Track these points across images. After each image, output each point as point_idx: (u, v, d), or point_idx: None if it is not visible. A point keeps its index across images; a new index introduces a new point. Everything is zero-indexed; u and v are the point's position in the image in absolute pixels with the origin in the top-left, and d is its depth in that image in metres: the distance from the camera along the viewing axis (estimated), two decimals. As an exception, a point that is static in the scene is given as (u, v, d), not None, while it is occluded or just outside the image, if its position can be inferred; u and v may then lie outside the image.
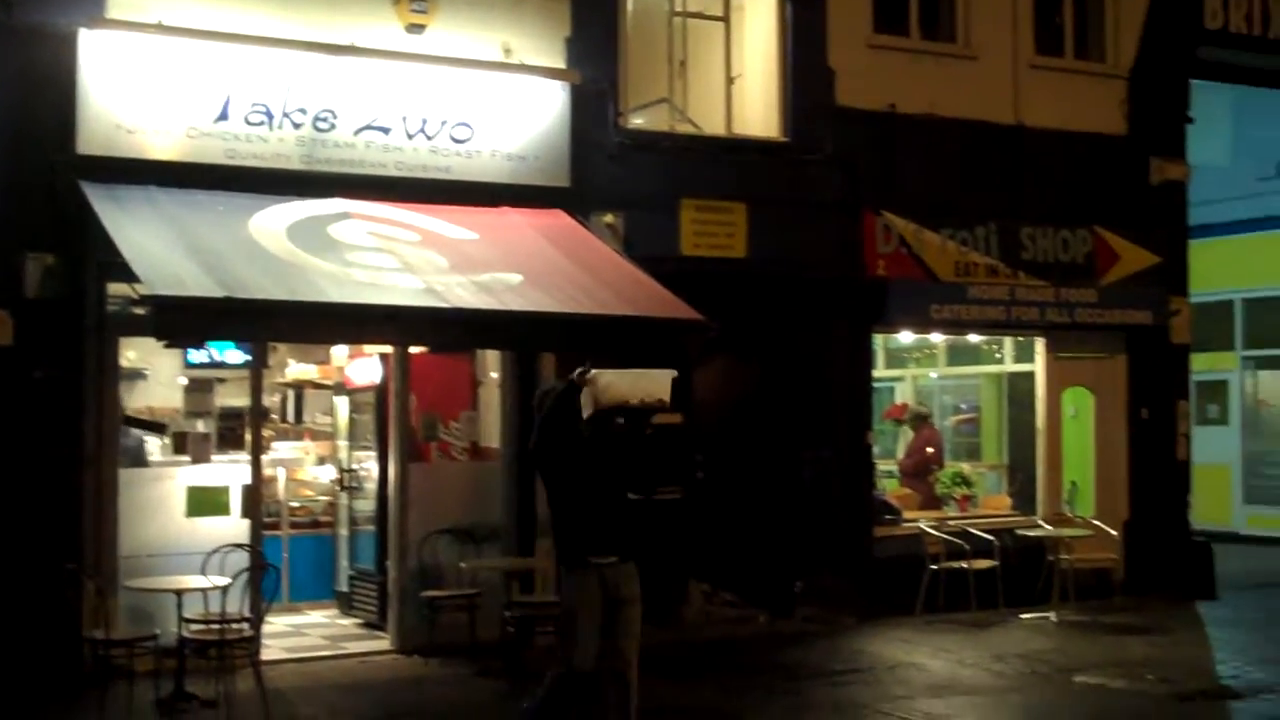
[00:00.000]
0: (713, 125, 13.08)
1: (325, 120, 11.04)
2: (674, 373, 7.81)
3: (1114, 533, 14.50)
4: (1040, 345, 14.81)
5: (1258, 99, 17.97)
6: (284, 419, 14.25)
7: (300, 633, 12.27)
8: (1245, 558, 17.29)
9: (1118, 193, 14.98)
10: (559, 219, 11.82)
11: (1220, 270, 18.76)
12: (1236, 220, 19.50)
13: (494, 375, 12.24)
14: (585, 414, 7.49)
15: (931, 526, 13.68)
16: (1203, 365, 18.38)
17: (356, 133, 11.16)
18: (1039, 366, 14.84)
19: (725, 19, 13.20)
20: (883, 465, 14.74)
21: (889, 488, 14.69)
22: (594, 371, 7.53)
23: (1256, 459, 20.09)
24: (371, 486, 12.30)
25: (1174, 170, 15.35)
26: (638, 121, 12.62)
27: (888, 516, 13.85)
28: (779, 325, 12.98)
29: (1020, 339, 15.00)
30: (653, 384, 7.74)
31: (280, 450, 13.56)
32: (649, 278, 11.32)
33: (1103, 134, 14.93)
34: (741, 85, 13.26)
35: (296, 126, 10.92)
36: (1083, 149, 14.74)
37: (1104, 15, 15.20)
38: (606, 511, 7.63)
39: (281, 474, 13.39)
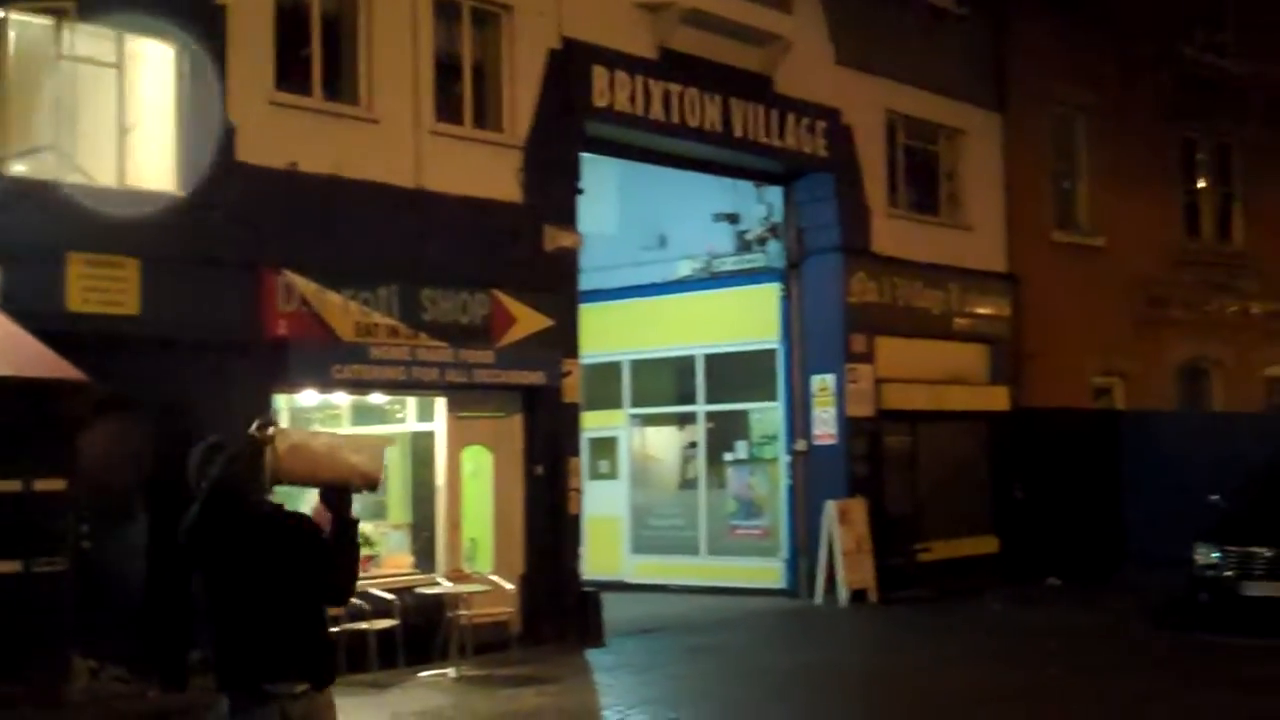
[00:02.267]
0: (106, 176, 12.50)
1: None
2: (390, 442, 6.31)
3: (510, 587, 14.99)
4: (441, 405, 15.12)
5: (642, 173, 19.29)
6: None
7: None
8: (632, 605, 18.33)
9: (515, 258, 15.56)
10: (-71, 271, 10.92)
11: (610, 333, 19.89)
12: (624, 286, 20.70)
13: None
14: (264, 487, 5.75)
15: (332, 588, 13.58)
16: (594, 423, 19.42)
17: None
18: (439, 425, 15.14)
19: (118, 66, 12.66)
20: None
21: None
22: (277, 429, 5.78)
23: (644, 511, 21.35)
24: None
25: (567, 238, 16.14)
26: (19, 169, 11.86)
27: (288, 580, 13.62)
28: (179, 385, 12.51)
29: (422, 399, 15.25)
30: (359, 457, 5.80)
31: None
32: (29, 335, 10.66)
33: (501, 201, 15.49)
34: (137, 136, 12.76)
35: None
36: (482, 215, 15.23)
37: (501, 88, 15.82)
38: (292, 622, 5.68)
39: None
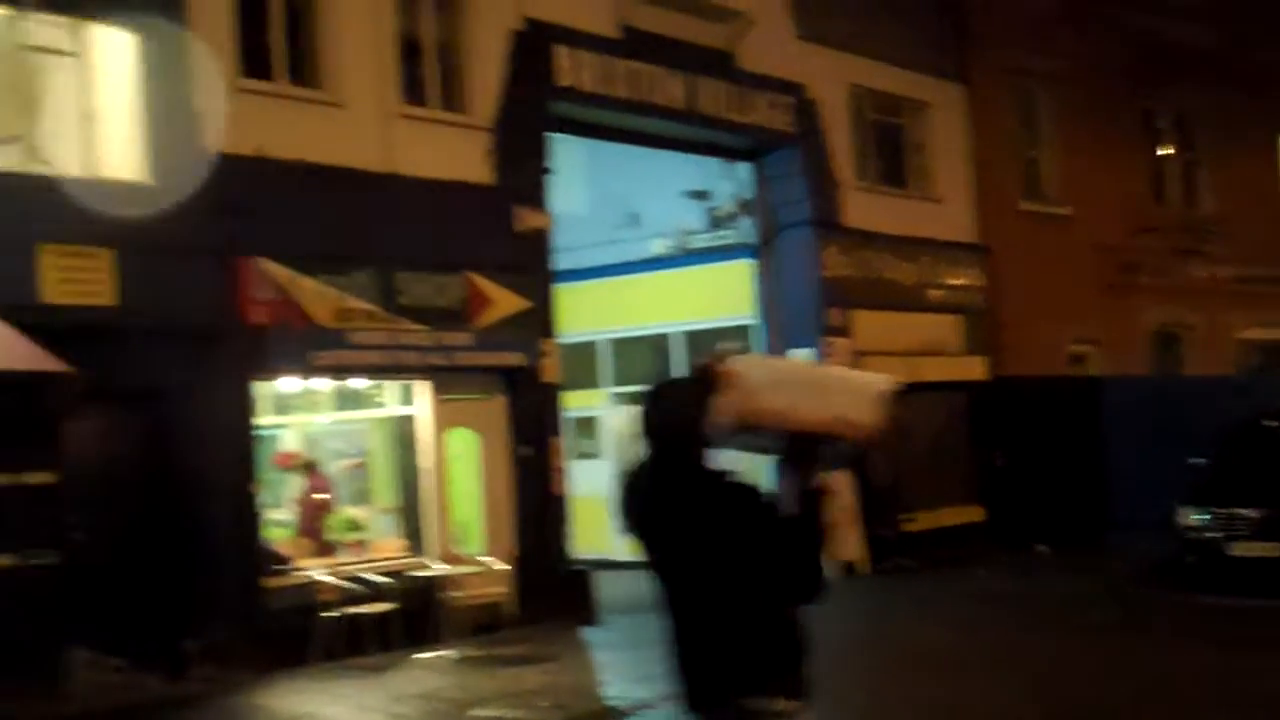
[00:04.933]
0: (72, 166, 12.34)
1: None
2: (889, 381, 4.54)
3: (502, 568, 14.89)
4: (422, 388, 15.01)
5: (611, 153, 19.24)
6: None
7: None
8: (622, 583, 18.18)
9: (488, 239, 15.47)
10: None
11: (586, 313, 19.78)
12: (598, 266, 20.63)
13: None
14: (716, 435, 4.28)
15: (324, 574, 13.50)
16: (575, 402, 19.29)
17: None
18: (422, 409, 15.03)
19: (78, 55, 12.50)
20: (272, 515, 14.38)
21: (279, 536, 14.34)
22: (736, 361, 4.34)
23: (629, 489, 21.13)
24: None
25: (538, 219, 16.07)
26: (-14, 161, 11.72)
27: (278, 566, 13.52)
28: (158, 375, 12.38)
29: (403, 383, 15.14)
30: (847, 400, 4.35)
31: None
32: (6, 327, 10.52)
33: (471, 183, 15.39)
34: (102, 125, 12.62)
35: None
36: (453, 197, 15.13)
37: (465, 69, 15.74)
38: (768, 620, 4.33)
39: None
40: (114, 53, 12.81)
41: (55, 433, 11.58)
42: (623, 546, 17.54)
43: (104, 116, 12.66)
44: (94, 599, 11.91)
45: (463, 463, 15.27)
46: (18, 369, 10.38)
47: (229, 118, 13.25)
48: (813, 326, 19.53)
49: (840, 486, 18.60)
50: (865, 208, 20.62)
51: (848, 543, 18.87)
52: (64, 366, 10.38)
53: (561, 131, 17.02)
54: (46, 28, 12.18)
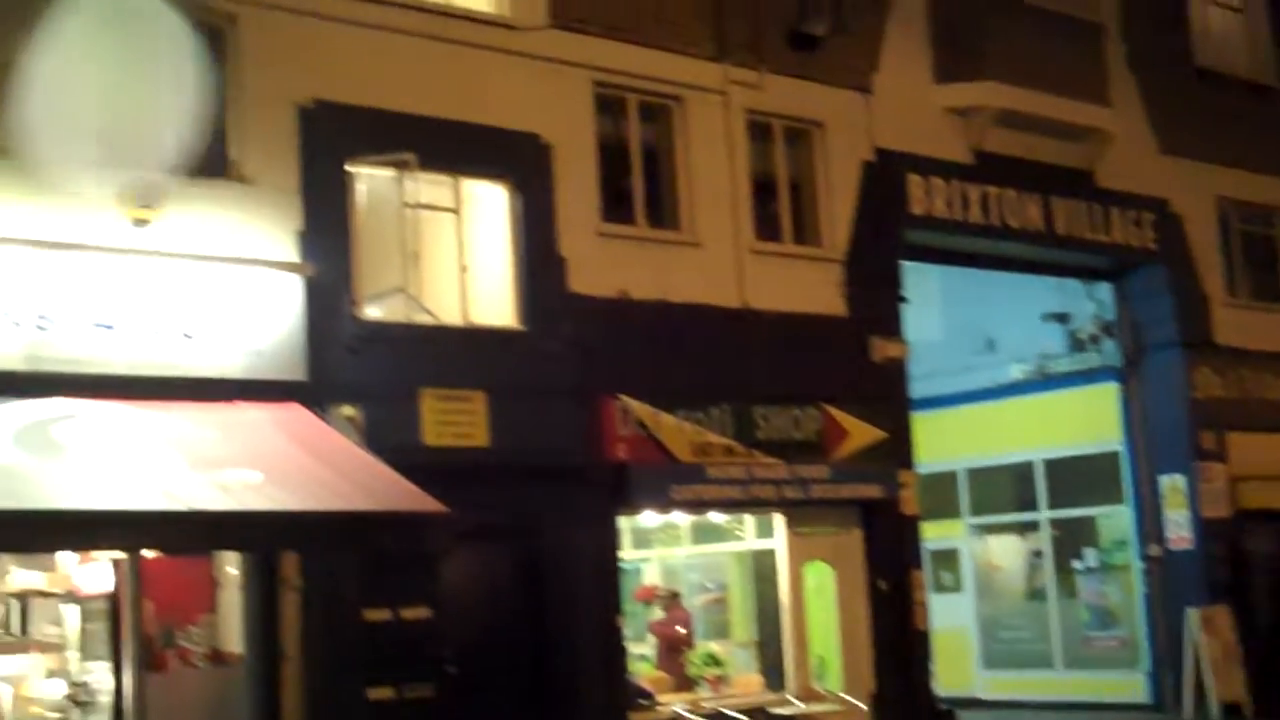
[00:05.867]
0: (449, 315, 13.07)
1: (47, 318, 10.61)
2: None
3: (863, 706, 14.68)
4: (779, 522, 15.05)
5: (965, 278, 19.03)
6: (8, 631, 13.28)
7: None
8: (988, 722, 17.70)
9: (843, 371, 15.48)
10: (297, 413, 11.57)
11: (943, 442, 19.49)
12: (954, 393, 20.37)
13: (233, 572, 11.75)
14: None
15: (686, 709, 13.59)
16: (934, 534, 18.99)
17: (82, 331, 10.75)
18: (779, 542, 15.06)
19: (456, 210, 13.30)
20: (634, 648, 14.63)
21: (642, 671, 14.56)
22: None
23: (991, 623, 20.70)
24: (106, 700, 11.53)
25: (893, 348, 15.99)
26: (374, 313, 12.53)
27: (642, 700, 13.69)
28: (526, 512, 12.87)
29: (760, 516, 15.22)
30: None
31: (3, 665, 12.59)
32: (391, 470, 11.13)
33: (825, 315, 15.49)
34: (476, 274, 13.33)
35: (16, 325, 10.48)
36: (807, 329, 15.24)
37: (817, 203, 15.90)
38: None
39: (5, 691, 12.43)
40: (487, 206, 13.54)
41: (432, 569, 12.15)
42: (986, 684, 17.05)
43: (478, 266, 13.36)
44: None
45: (819, 597, 15.18)
46: (401, 509, 10.91)
47: (592, 261, 13.80)
48: (1184, 451, 18.76)
49: (1221, 622, 17.74)
50: (1237, 324, 19.72)
51: (1231, 682, 17.80)
52: (440, 507, 10.86)
53: (914, 259, 16.95)
54: (428, 186, 12.99)
